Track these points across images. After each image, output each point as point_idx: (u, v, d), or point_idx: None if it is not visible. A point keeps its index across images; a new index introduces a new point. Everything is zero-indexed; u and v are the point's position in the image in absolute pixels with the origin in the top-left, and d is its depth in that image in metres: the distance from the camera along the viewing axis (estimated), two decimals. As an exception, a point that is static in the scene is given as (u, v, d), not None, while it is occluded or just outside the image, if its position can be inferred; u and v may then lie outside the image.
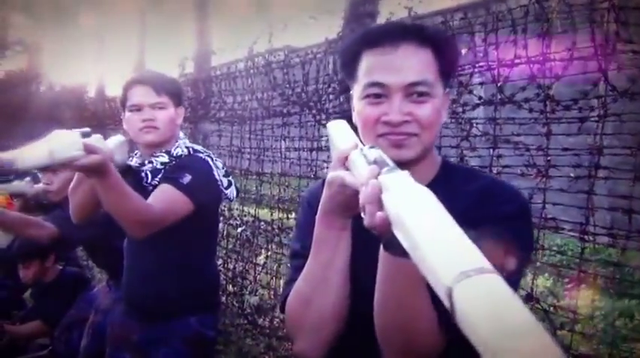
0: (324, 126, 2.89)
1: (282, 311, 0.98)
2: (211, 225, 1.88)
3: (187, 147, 1.76)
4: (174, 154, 1.72)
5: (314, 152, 3.00)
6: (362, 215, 0.69)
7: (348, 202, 0.80)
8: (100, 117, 7.05)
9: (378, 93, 0.90)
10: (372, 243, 0.74)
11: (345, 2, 2.64)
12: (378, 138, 0.90)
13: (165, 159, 1.71)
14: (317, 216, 0.88)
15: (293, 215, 3.14)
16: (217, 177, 1.75)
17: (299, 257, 0.98)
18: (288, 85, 3.06)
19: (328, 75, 2.75)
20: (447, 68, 0.93)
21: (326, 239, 0.87)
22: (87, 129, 1.43)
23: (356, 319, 0.89)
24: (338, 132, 0.91)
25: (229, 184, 1.79)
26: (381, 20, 2.57)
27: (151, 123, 1.69)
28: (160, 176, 1.68)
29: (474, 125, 2.11)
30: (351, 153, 0.80)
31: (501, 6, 1.97)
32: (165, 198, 1.58)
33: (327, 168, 2.98)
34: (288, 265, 3.24)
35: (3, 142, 5.14)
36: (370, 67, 0.91)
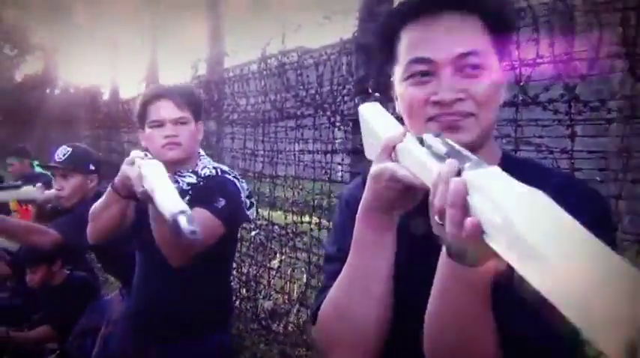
0: (339, 128, 2.84)
1: (314, 322, 0.87)
2: (229, 245, 1.81)
3: (215, 168, 1.70)
4: (202, 175, 1.66)
5: (328, 154, 2.95)
6: (435, 219, 0.60)
7: (397, 199, 0.72)
8: (114, 119, 7.09)
9: (424, 70, 0.78)
10: (419, 246, 0.65)
11: (360, 2, 2.58)
12: (428, 123, 0.77)
13: (193, 179, 1.65)
14: (357, 215, 0.78)
15: (307, 218, 3.10)
16: (243, 199, 1.69)
17: (335, 261, 0.87)
18: (301, 87, 3.02)
19: (343, 76, 2.70)
20: (501, 35, 0.80)
21: (367, 241, 0.77)
22: (142, 152, 1.40)
23: (398, 336, 0.77)
24: (376, 117, 0.80)
25: (251, 205, 1.74)
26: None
27: (173, 139, 1.61)
28: (187, 198, 1.59)
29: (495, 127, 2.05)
30: (402, 142, 0.71)
31: (522, 3, 1.90)
32: (203, 223, 1.49)
33: (342, 171, 2.94)
34: (306, 268, 3.16)
35: (20, 144, 5.19)
36: (411, 42, 0.80)
